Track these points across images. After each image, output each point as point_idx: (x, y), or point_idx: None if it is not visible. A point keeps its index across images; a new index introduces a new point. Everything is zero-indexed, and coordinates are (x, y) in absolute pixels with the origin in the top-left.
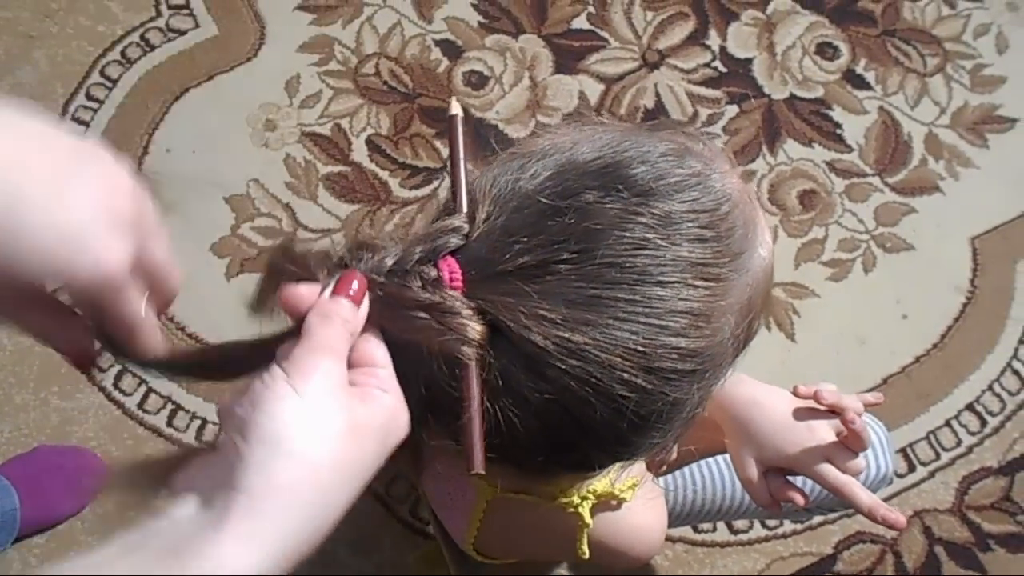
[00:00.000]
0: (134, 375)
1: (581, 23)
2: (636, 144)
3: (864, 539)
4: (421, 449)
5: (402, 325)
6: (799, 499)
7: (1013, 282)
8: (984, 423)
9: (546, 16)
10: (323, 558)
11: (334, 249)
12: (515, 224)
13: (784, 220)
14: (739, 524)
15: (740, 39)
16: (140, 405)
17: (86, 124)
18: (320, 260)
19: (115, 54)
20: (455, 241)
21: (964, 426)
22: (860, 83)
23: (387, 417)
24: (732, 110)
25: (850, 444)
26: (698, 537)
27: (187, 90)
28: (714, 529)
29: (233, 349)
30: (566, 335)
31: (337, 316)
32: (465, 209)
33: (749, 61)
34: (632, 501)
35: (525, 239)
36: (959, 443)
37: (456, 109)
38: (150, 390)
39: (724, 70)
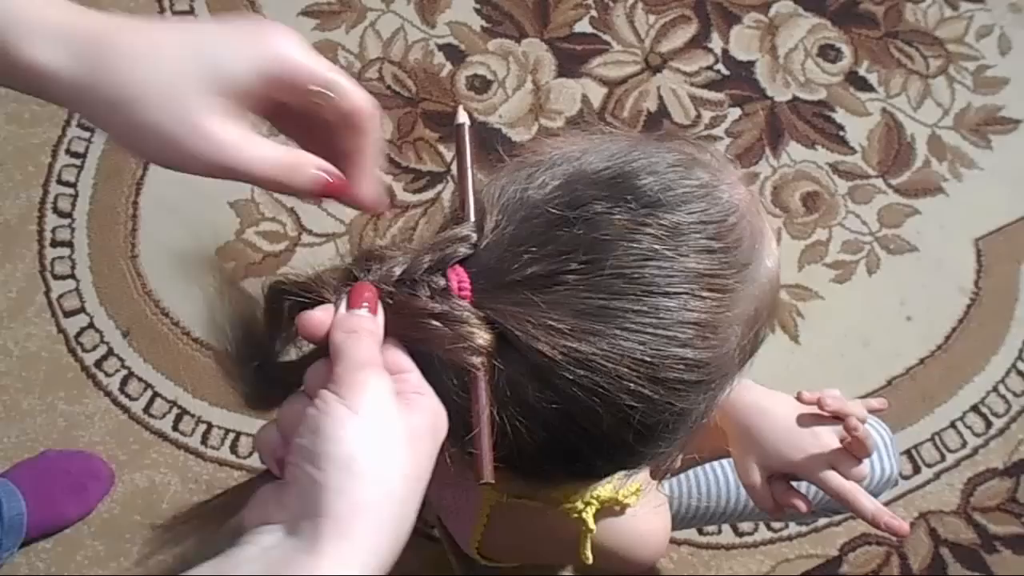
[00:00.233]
0: (140, 379)
1: (584, 27)
2: (644, 154)
3: (869, 541)
4: None
5: (411, 334)
6: (802, 506)
7: (1017, 283)
8: (989, 424)
9: (549, 20)
10: None
11: (329, 273)
12: (524, 234)
13: (787, 222)
14: (744, 526)
15: (742, 42)
16: (146, 409)
17: (91, 130)
18: (323, 280)
19: None
20: (463, 250)
21: (969, 427)
22: (863, 85)
23: (434, 418)
24: (735, 113)
25: (854, 451)
26: (703, 539)
27: None
28: (719, 531)
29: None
30: (574, 345)
31: (362, 329)
32: (473, 218)
33: (751, 64)
34: (636, 507)
35: (534, 249)
36: (964, 444)
37: (463, 118)
38: (156, 394)
39: (727, 73)
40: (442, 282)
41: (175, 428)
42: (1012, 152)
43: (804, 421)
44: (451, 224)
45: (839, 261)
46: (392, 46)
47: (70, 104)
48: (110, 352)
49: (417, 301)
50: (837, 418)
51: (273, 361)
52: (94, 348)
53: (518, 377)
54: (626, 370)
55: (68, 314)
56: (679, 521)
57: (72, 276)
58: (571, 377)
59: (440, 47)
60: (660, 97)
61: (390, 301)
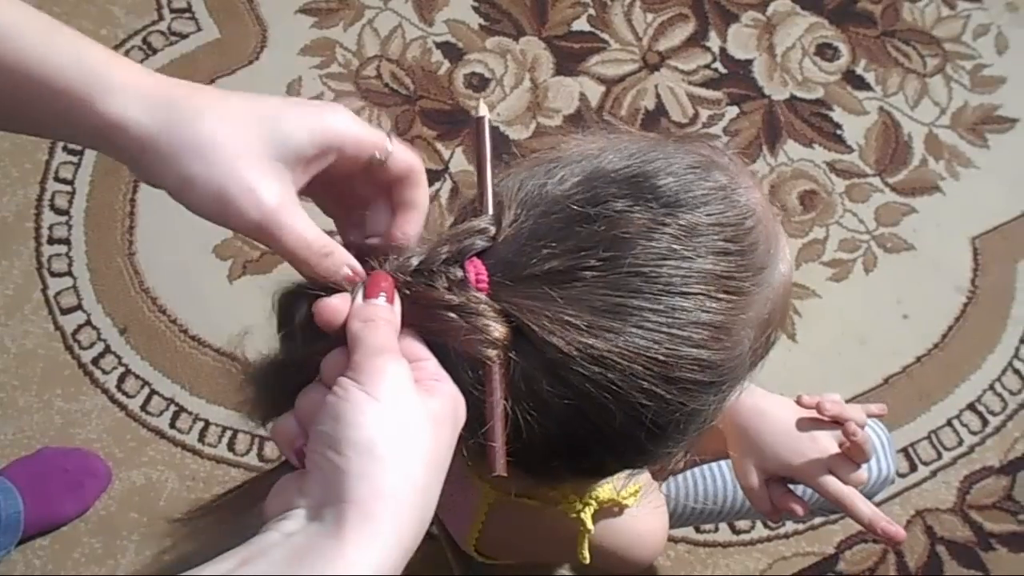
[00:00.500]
0: (137, 377)
1: (582, 25)
2: (663, 155)
3: (866, 539)
4: None
5: (428, 325)
6: (799, 510)
7: (1014, 282)
8: (985, 422)
9: (547, 18)
10: None
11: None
12: (543, 229)
13: (785, 221)
14: (741, 524)
15: (740, 40)
16: (143, 407)
17: None
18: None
19: None
20: (481, 243)
21: (966, 425)
22: (860, 84)
23: (453, 405)
24: (732, 111)
25: (852, 456)
26: (700, 537)
27: None
28: (716, 529)
29: (281, 366)
30: (589, 341)
31: (379, 318)
32: (491, 211)
33: (749, 62)
34: (634, 507)
35: (553, 244)
36: (961, 442)
37: (483, 111)
38: (153, 392)
39: (724, 71)
40: (459, 273)
41: (172, 425)
42: (1009, 151)
43: (803, 425)
44: (469, 216)
45: (836, 260)
46: (390, 44)
47: (134, 155)
48: (107, 349)
49: (434, 292)
50: (836, 422)
51: (297, 363)
52: (91, 345)
53: (532, 371)
54: (640, 368)
55: (65, 311)
56: (676, 519)
57: (69, 273)
58: (585, 373)
59: (438, 45)
60: (658, 95)
61: (407, 292)
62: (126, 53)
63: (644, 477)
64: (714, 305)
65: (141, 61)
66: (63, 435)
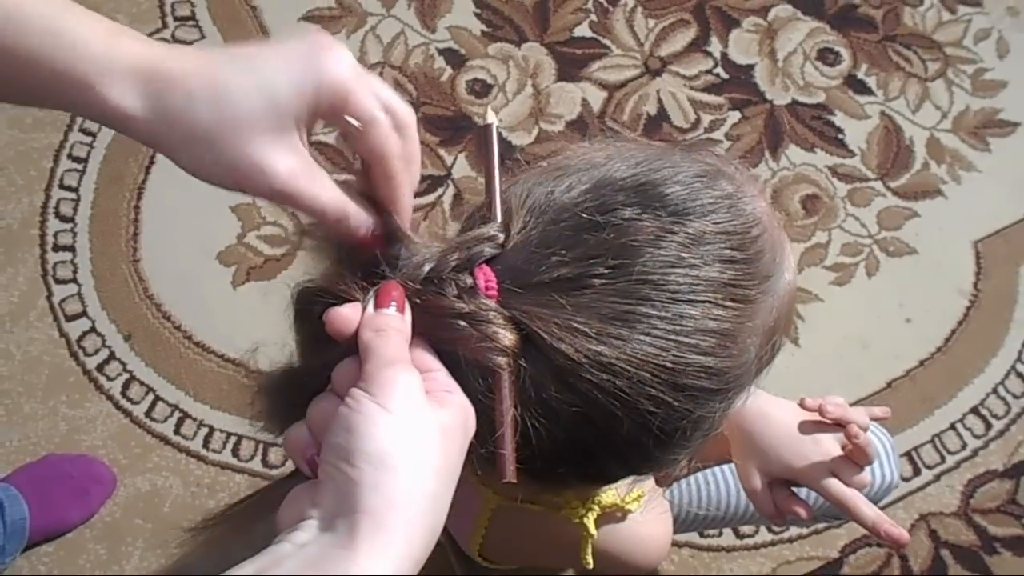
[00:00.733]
0: (142, 383)
1: (583, 31)
2: (669, 164)
3: (870, 543)
4: None
5: (438, 333)
6: (803, 513)
7: (1016, 285)
8: (989, 426)
9: (548, 24)
10: None
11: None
12: (552, 236)
13: (787, 225)
14: (745, 529)
15: (741, 45)
16: (148, 413)
17: (92, 135)
18: (350, 280)
19: None
20: (490, 250)
21: (969, 429)
22: (861, 88)
23: (464, 415)
24: (734, 116)
25: (855, 458)
26: (704, 542)
27: None
28: (720, 534)
29: (293, 376)
30: (598, 348)
31: (390, 328)
32: (500, 219)
33: (751, 67)
34: (638, 513)
35: (562, 252)
36: (964, 446)
37: (492, 118)
38: (157, 398)
39: (726, 76)
40: (469, 281)
41: (177, 432)
42: (1010, 154)
43: (806, 428)
44: (477, 223)
45: (839, 264)
46: (392, 51)
47: (142, 139)
48: (112, 356)
49: (444, 300)
50: (839, 425)
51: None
52: (96, 352)
53: (541, 378)
54: (648, 375)
55: (70, 318)
56: (680, 524)
57: (74, 280)
58: (594, 380)
59: (440, 51)
60: (660, 101)
61: (417, 300)
62: None
63: (648, 483)
64: (721, 313)
65: None
66: (68, 441)
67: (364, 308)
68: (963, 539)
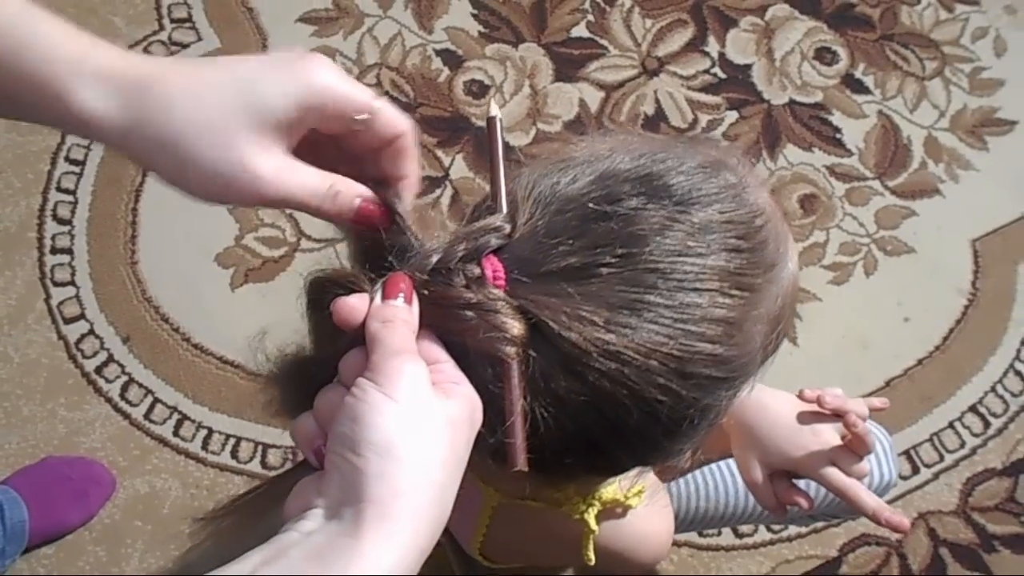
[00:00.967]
0: (140, 385)
1: (581, 31)
2: (673, 156)
3: (869, 541)
4: None
5: (446, 324)
6: (804, 503)
7: (1014, 284)
8: (987, 424)
9: (546, 25)
10: None
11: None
12: (558, 226)
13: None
14: (744, 528)
15: (739, 45)
16: (147, 415)
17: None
18: (359, 272)
19: None
20: (496, 240)
21: (967, 428)
22: (859, 87)
23: (471, 407)
24: (732, 116)
25: (854, 447)
26: (703, 541)
27: None
28: (719, 533)
29: (301, 365)
30: (606, 337)
31: (398, 319)
32: (505, 209)
33: (748, 67)
34: (638, 508)
35: (570, 241)
36: (962, 445)
37: (495, 111)
38: (156, 400)
39: (723, 76)
40: (476, 271)
41: (176, 434)
42: (1008, 153)
43: (805, 418)
44: (483, 214)
45: (837, 263)
46: (390, 52)
47: (117, 147)
48: (110, 358)
49: (452, 290)
50: (838, 416)
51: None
52: (94, 354)
53: (549, 368)
54: (656, 364)
55: (68, 321)
56: (680, 523)
57: (72, 283)
58: (602, 369)
59: (438, 52)
60: (657, 101)
61: (425, 292)
62: None
63: (649, 477)
64: (727, 301)
65: None
66: (67, 444)
67: (372, 299)
68: (962, 537)
